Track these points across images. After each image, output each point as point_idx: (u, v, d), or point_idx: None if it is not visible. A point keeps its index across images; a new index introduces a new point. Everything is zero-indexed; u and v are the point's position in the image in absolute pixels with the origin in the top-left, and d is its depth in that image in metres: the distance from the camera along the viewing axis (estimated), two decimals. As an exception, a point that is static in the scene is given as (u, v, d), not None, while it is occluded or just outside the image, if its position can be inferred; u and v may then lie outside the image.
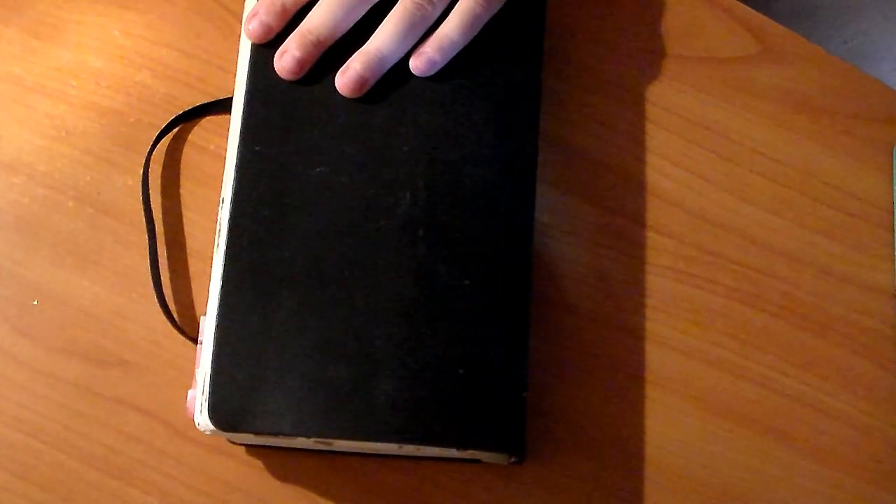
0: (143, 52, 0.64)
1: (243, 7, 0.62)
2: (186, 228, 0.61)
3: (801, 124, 0.66)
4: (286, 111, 0.58)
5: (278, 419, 0.53)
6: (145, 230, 0.60)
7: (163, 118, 0.62)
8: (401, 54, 0.59)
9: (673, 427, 0.60)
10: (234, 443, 0.57)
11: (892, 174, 0.65)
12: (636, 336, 0.62)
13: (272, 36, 0.59)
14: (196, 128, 0.63)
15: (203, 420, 0.53)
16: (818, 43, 0.67)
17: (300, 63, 0.58)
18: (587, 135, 0.65)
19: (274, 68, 0.58)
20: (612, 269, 0.63)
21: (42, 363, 0.59)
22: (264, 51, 0.59)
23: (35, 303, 0.60)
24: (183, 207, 0.62)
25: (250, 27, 0.59)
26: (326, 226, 0.56)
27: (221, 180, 0.58)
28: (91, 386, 0.59)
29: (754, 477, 0.60)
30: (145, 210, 0.61)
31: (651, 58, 0.66)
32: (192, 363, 0.58)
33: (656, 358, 0.61)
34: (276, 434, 0.54)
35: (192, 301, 0.60)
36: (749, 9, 0.68)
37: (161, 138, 0.62)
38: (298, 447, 0.56)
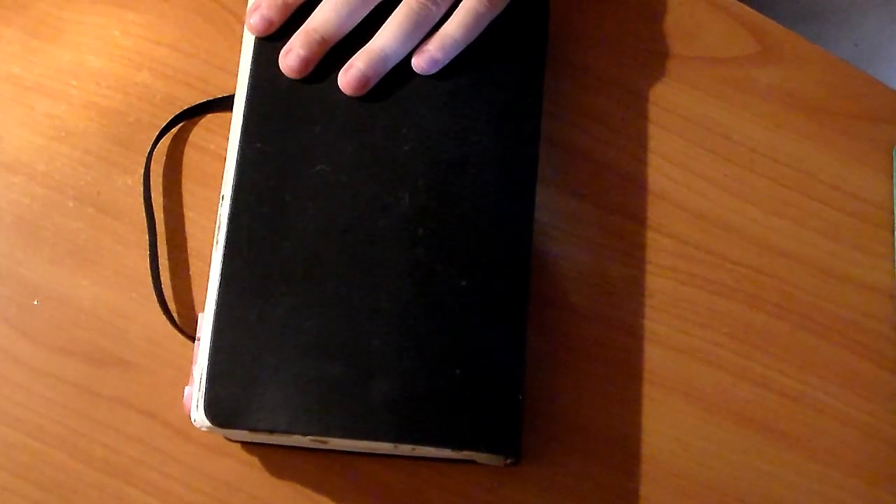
0: (143, 52, 0.64)
1: (243, 7, 0.62)
2: (186, 228, 0.61)
3: (801, 124, 0.66)
4: (288, 108, 0.58)
5: (274, 416, 0.53)
6: (145, 230, 0.60)
7: (163, 118, 0.62)
8: (404, 53, 0.59)
9: (672, 427, 0.60)
10: (230, 440, 0.57)
11: (892, 174, 0.65)
12: (636, 336, 0.62)
13: (273, 30, 0.59)
14: (196, 128, 0.63)
15: (199, 416, 0.53)
16: (828, 46, 0.67)
17: (305, 62, 0.58)
18: (587, 135, 0.65)
19: (276, 65, 0.59)
20: (612, 269, 0.63)
21: (42, 363, 0.59)
22: (267, 47, 0.59)
23: (35, 303, 0.60)
24: (183, 207, 0.62)
25: (252, 21, 0.59)
26: (326, 224, 0.56)
27: (222, 179, 0.58)
28: (91, 386, 0.58)
29: (754, 477, 0.60)
30: (146, 209, 0.61)
31: (651, 58, 0.66)
32: (191, 363, 0.58)
33: (656, 358, 0.61)
34: (271, 431, 0.54)
35: (192, 301, 0.60)
36: (749, 9, 0.68)
37: (162, 136, 0.62)
38: (294, 445, 0.56)
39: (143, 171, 0.61)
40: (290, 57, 0.58)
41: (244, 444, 0.58)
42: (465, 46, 0.60)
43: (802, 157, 0.65)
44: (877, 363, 0.62)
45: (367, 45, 0.59)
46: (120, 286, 0.60)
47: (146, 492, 0.57)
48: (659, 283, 0.62)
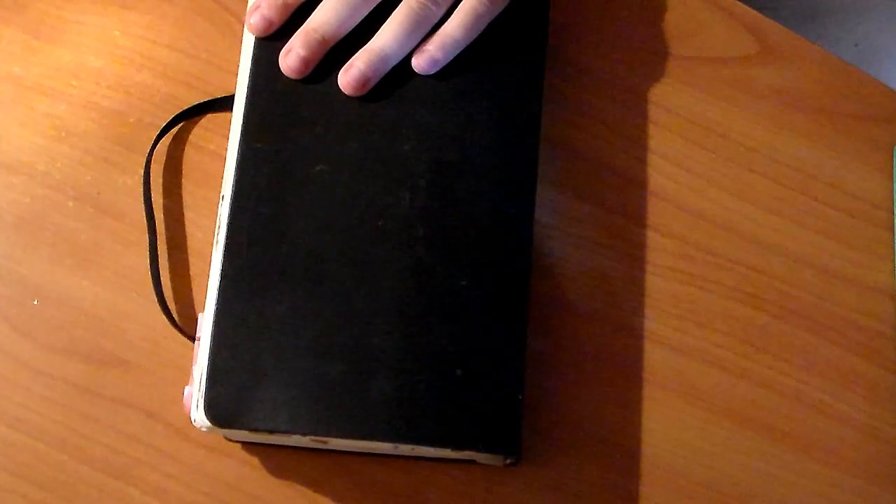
0: (143, 52, 0.64)
1: (243, 7, 0.62)
2: (186, 228, 0.61)
3: (801, 124, 0.66)
4: (288, 108, 0.58)
5: (273, 416, 0.53)
6: (145, 230, 0.60)
7: (163, 118, 0.62)
8: (404, 53, 0.59)
9: (672, 427, 0.60)
10: (230, 440, 0.57)
11: (892, 174, 0.65)
12: (636, 336, 0.62)
13: (273, 30, 0.59)
14: (196, 127, 0.63)
15: (199, 416, 0.53)
16: (828, 47, 0.67)
17: (305, 62, 0.58)
18: (587, 135, 0.65)
19: (276, 65, 0.59)
20: (612, 269, 0.63)
21: (42, 363, 0.59)
22: (267, 47, 0.59)
23: (35, 303, 0.60)
24: (183, 207, 0.62)
25: (252, 21, 0.59)
26: (326, 224, 0.56)
27: (222, 179, 0.58)
28: (91, 386, 0.58)
29: (754, 477, 0.60)
30: (146, 209, 0.61)
31: (651, 58, 0.66)
32: (191, 363, 0.58)
33: (656, 358, 0.61)
34: (271, 431, 0.54)
35: (192, 301, 0.60)
36: (749, 9, 0.68)
37: (162, 136, 0.62)
38: (294, 445, 0.56)
39: (143, 171, 0.61)
40: (291, 57, 0.58)
41: (244, 444, 0.58)
42: (465, 46, 0.60)
43: (802, 157, 0.65)
44: (877, 363, 0.62)
45: (367, 45, 0.59)
46: (120, 286, 0.60)
47: (146, 492, 0.57)
48: (659, 283, 0.62)
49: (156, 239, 0.60)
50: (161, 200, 0.62)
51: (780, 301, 0.63)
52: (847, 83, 0.67)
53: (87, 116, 0.63)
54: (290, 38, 0.59)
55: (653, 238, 0.63)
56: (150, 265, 0.60)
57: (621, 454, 0.60)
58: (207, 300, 0.56)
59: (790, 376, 0.61)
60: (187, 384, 0.57)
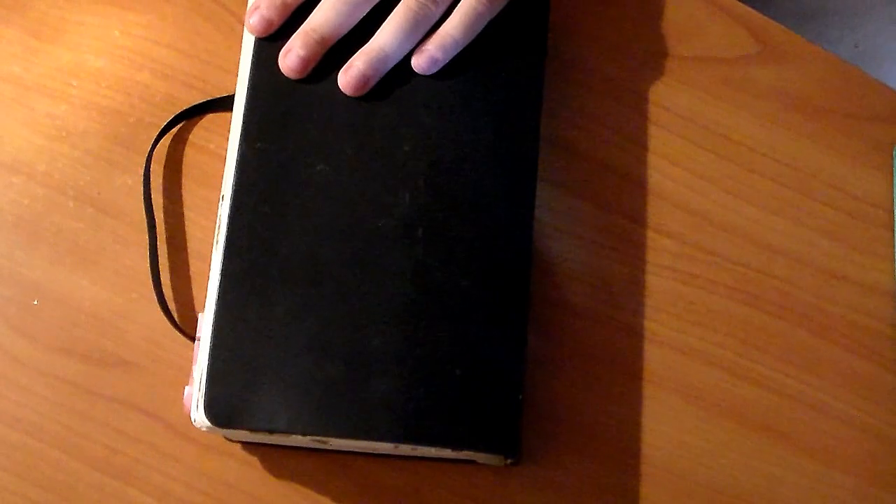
0: (143, 52, 0.64)
1: (243, 7, 0.62)
2: (186, 228, 0.61)
3: (801, 124, 0.66)
4: (288, 108, 0.58)
5: (273, 416, 0.53)
6: (145, 230, 0.60)
7: (163, 118, 0.62)
8: (403, 53, 0.59)
9: (672, 427, 0.60)
10: (230, 440, 0.57)
11: (892, 174, 0.65)
12: (636, 336, 0.62)
13: (272, 30, 0.59)
14: (196, 127, 0.63)
15: (199, 416, 0.53)
16: (828, 46, 0.67)
17: (305, 62, 0.58)
18: (587, 135, 0.65)
19: (276, 65, 0.59)
20: (612, 269, 0.63)
21: (42, 363, 0.59)
22: (267, 47, 0.59)
23: (35, 303, 0.60)
24: (183, 207, 0.62)
25: (251, 21, 0.59)
26: (326, 224, 0.56)
27: (222, 179, 0.58)
28: (91, 386, 0.59)
29: (754, 477, 0.60)
30: (146, 209, 0.61)
31: (651, 58, 0.66)
32: (191, 363, 0.58)
33: (656, 358, 0.61)
34: (270, 431, 0.54)
35: (192, 301, 0.60)
36: (749, 9, 0.68)
37: (162, 136, 0.62)
38: (294, 445, 0.56)
39: (143, 171, 0.61)
40: (290, 57, 0.58)
41: (244, 444, 0.58)
42: (464, 46, 0.60)
43: (802, 157, 0.65)
44: (877, 363, 0.62)
45: (367, 44, 0.59)
46: (120, 286, 0.60)
47: (146, 492, 0.57)
48: (659, 283, 0.62)
49: (156, 239, 0.60)
50: (161, 200, 0.62)
51: (780, 301, 0.63)
52: (847, 83, 0.67)
53: (87, 116, 0.63)
54: (289, 38, 0.59)
55: (653, 238, 0.63)
56: (150, 265, 0.60)
57: (621, 454, 0.60)
58: (207, 300, 0.56)
59: (790, 376, 0.61)
60: (187, 384, 0.57)
